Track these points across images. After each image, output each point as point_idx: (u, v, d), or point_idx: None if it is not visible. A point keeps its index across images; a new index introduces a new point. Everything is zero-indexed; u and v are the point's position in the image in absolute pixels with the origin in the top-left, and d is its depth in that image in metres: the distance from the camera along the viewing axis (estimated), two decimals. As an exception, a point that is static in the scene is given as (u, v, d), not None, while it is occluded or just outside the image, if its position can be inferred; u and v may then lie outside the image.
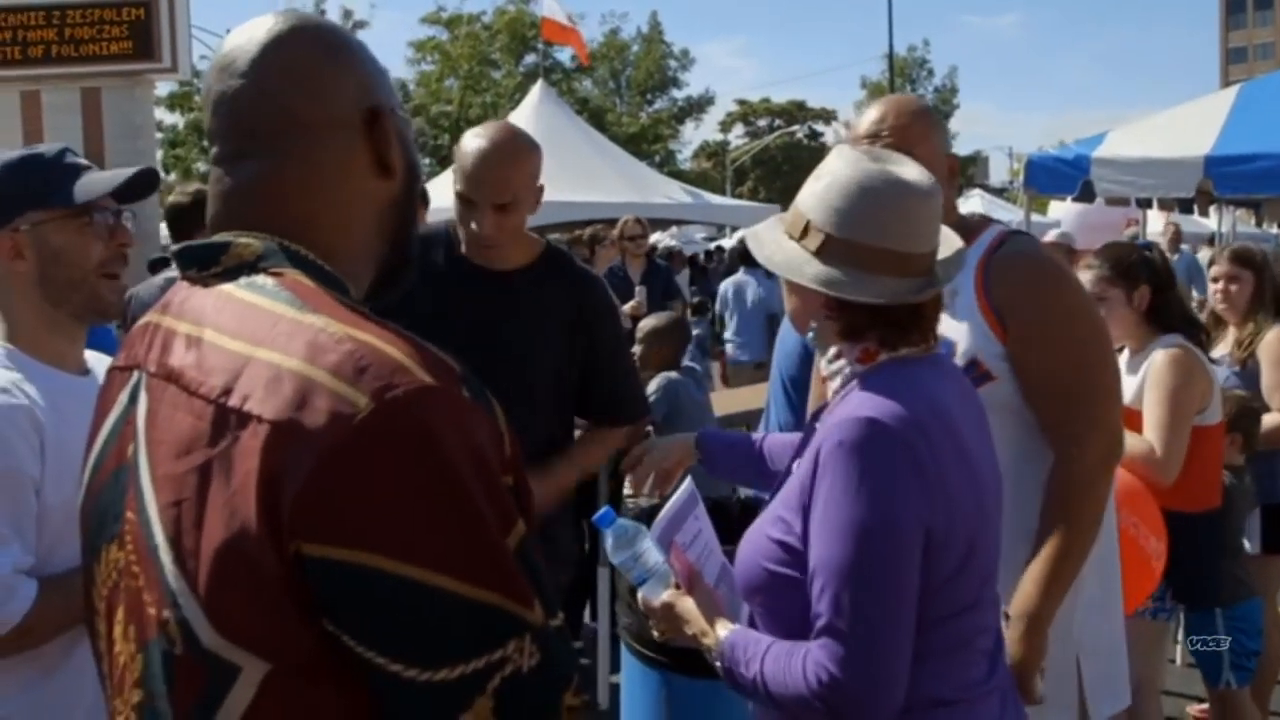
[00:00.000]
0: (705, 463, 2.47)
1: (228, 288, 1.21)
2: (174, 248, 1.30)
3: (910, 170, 1.81)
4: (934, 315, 1.86)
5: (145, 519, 1.17)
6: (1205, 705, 4.27)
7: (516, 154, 2.74)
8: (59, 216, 1.95)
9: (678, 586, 1.98)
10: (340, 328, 1.12)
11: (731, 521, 3.28)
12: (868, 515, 1.64)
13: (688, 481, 2.03)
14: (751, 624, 1.88)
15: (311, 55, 1.28)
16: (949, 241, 1.90)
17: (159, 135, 26.17)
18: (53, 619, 1.83)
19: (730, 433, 2.40)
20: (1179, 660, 5.02)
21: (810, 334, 1.87)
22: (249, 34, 1.29)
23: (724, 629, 1.85)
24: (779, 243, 1.86)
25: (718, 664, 1.83)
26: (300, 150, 1.26)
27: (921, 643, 1.69)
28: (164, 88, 27.66)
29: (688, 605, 1.93)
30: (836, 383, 1.85)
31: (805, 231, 1.81)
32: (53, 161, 1.98)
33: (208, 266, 1.25)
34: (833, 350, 1.85)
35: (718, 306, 10.01)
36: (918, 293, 1.78)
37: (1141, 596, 3.39)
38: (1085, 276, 3.61)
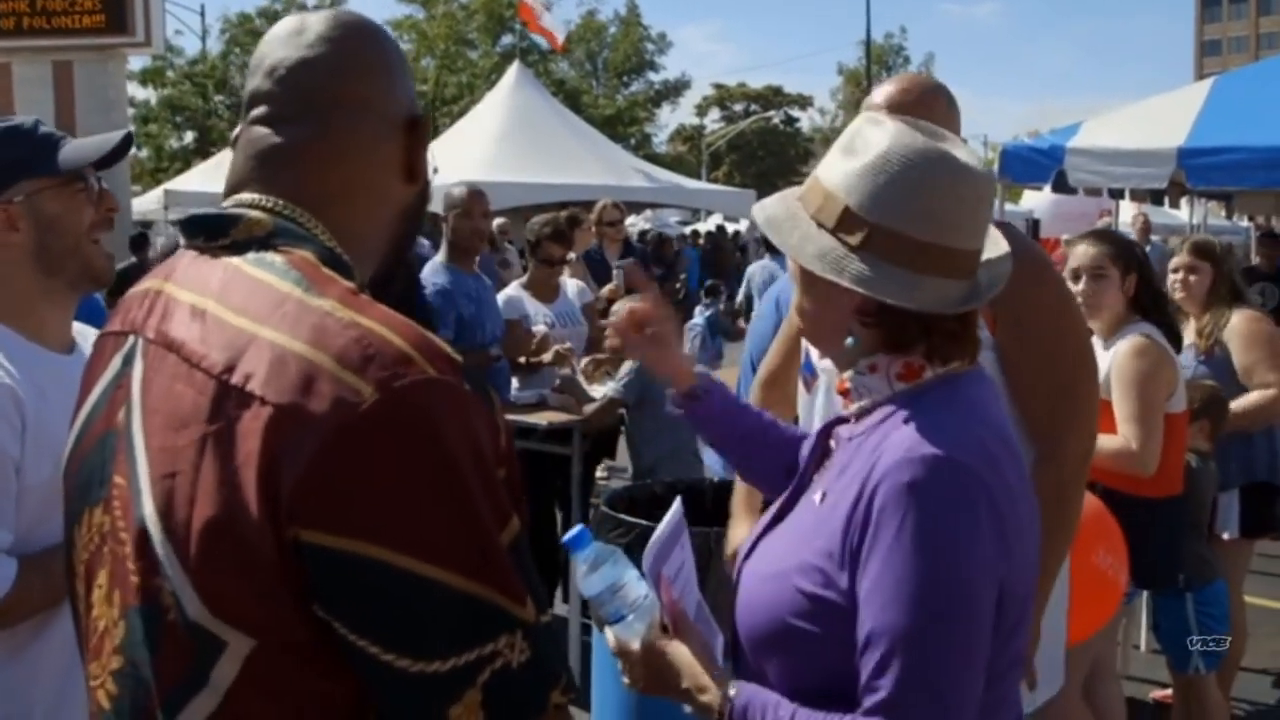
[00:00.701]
0: (697, 409, 2.01)
1: (236, 261, 1.21)
2: (180, 216, 1.30)
3: (961, 148, 1.53)
4: (977, 322, 1.60)
5: (136, 487, 1.16)
6: (1169, 690, 4.32)
7: None
8: (54, 185, 1.93)
9: (664, 628, 1.65)
10: (347, 313, 1.12)
11: (705, 505, 3.30)
12: (944, 575, 1.39)
13: (676, 504, 1.75)
14: (735, 668, 1.65)
15: (380, 50, 1.34)
16: (994, 241, 1.61)
17: (131, 111, 25.91)
18: (31, 599, 1.81)
19: (739, 399, 2.12)
20: (1143, 646, 5.08)
21: (849, 342, 1.57)
22: (318, 16, 1.34)
23: (732, 687, 1.55)
24: (806, 232, 1.54)
25: None
26: (347, 127, 1.29)
27: None
28: (136, 62, 27.40)
29: (680, 653, 1.60)
30: (865, 401, 1.58)
31: (842, 220, 1.50)
32: (32, 131, 1.96)
33: (215, 237, 1.24)
34: (864, 363, 1.57)
35: (743, 289, 10.12)
36: (966, 300, 1.52)
37: (1109, 615, 3.45)
38: (1087, 251, 3.64)
